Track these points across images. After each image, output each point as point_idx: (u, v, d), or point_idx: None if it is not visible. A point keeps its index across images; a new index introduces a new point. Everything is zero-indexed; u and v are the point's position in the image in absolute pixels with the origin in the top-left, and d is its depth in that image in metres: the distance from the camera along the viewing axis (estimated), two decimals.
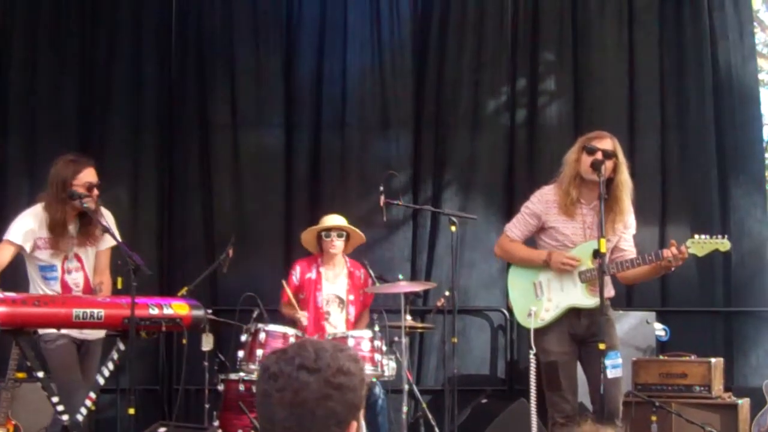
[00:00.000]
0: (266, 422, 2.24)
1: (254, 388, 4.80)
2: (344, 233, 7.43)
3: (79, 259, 6.10)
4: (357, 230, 7.48)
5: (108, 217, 6.14)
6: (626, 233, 5.94)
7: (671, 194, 8.66)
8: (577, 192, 5.82)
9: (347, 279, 7.47)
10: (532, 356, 5.90)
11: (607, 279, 5.84)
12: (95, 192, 6.01)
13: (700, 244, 5.67)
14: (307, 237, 7.49)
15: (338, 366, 2.24)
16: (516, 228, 6.04)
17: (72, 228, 6.05)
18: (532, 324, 5.86)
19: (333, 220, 7.49)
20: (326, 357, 2.24)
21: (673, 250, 5.58)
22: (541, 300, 5.90)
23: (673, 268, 5.70)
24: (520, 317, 6.01)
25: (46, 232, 5.96)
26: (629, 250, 5.92)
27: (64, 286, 6.03)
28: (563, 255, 5.81)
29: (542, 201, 5.96)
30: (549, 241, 5.94)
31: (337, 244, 7.40)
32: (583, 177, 5.78)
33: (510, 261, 6.24)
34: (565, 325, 5.86)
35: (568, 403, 5.81)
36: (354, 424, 2.28)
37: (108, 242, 6.11)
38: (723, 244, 5.71)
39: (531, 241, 6.12)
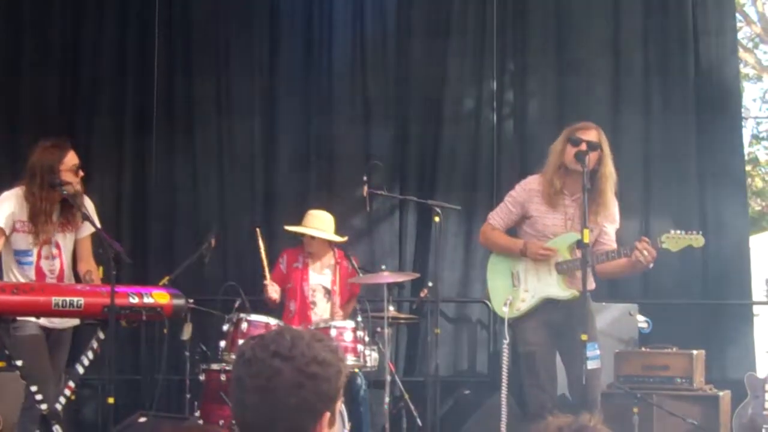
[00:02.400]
0: (238, 407, 2.25)
1: None
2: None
3: (57, 246, 5.99)
4: (328, 237, 7.36)
5: (87, 204, 6.04)
6: (608, 227, 5.92)
7: (654, 188, 8.67)
8: (560, 182, 5.82)
9: (334, 269, 7.45)
10: (505, 345, 5.91)
11: (588, 272, 5.84)
12: (81, 173, 5.92)
13: (675, 239, 5.64)
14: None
15: (313, 355, 2.24)
16: (498, 216, 6.05)
17: (54, 215, 5.97)
18: (506, 313, 5.86)
19: (314, 217, 7.43)
20: (301, 346, 2.25)
21: (644, 243, 5.56)
22: (518, 289, 5.91)
23: (650, 265, 5.65)
24: (497, 306, 6.02)
25: (26, 215, 5.85)
26: (609, 244, 5.91)
27: (39, 272, 5.90)
28: (540, 245, 5.80)
29: (525, 190, 5.96)
30: (530, 231, 5.94)
31: (314, 244, 7.37)
32: (568, 167, 5.78)
33: (490, 249, 6.24)
34: (542, 315, 5.87)
35: (546, 393, 5.82)
36: (327, 414, 2.28)
37: (87, 229, 6.03)
38: (697, 239, 5.68)
39: (513, 232, 6.11)
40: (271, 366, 2.21)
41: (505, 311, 5.87)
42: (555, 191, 5.82)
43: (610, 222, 5.92)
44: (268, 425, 2.21)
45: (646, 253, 5.52)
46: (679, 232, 5.66)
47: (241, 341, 6.43)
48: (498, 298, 6.01)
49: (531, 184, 5.97)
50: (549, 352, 5.88)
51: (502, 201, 6.13)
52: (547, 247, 5.79)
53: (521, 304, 5.87)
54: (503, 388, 5.96)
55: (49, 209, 5.85)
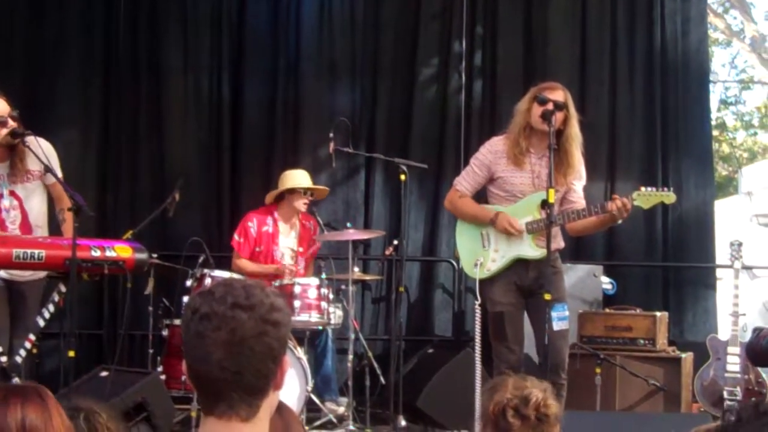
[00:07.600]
0: (200, 363, 2.23)
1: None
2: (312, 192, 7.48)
3: (16, 197, 5.83)
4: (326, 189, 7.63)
5: (49, 151, 5.85)
6: (576, 184, 5.90)
7: (619, 150, 8.72)
8: (526, 142, 5.78)
9: (299, 230, 7.46)
10: (477, 306, 5.90)
11: (556, 231, 5.84)
12: (9, 123, 5.66)
13: (646, 197, 5.65)
14: (272, 192, 7.47)
15: (270, 302, 2.26)
16: (465, 181, 5.99)
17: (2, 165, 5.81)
18: (477, 274, 5.84)
19: (302, 176, 7.48)
20: (258, 294, 2.26)
21: (617, 203, 5.57)
22: (488, 250, 5.87)
23: (620, 221, 5.68)
24: (467, 267, 5.99)
25: None
26: (578, 201, 5.88)
27: (1, 224, 5.77)
28: (507, 219, 5.77)
29: (491, 151, 5.91)
30: (497, 192, 5.89)
31: (302, 203, 7.42)
32: (533, 127, 5.74)
33: (458, 216, 6.17)
34: (512, 276, 5.84)
35: (514, 354, 5.81)
36: (285, 358, 2.32)
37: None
38: (668, 196, 5.70)
39: (482, 192, 6.08)
40: (234, 317, 2.21)
41: (476, 272, 5.85)
42: (521, 151, 5.78)
43: (578, 179, 5.90)
44: (234, 377, 2.21)
45: (623, 207, 5.55)
46: (650, 189, 5.67)
47: None
48: (468, 260, 5.97)
49: (496, 145, 5.93)
50: (517, 312, 5.87)
51: (468, 164, 6.09)
52: (514, 223, 5.75)
53: (491, 265, 5.85)
54: (477, 348, 5.96)
55: None
